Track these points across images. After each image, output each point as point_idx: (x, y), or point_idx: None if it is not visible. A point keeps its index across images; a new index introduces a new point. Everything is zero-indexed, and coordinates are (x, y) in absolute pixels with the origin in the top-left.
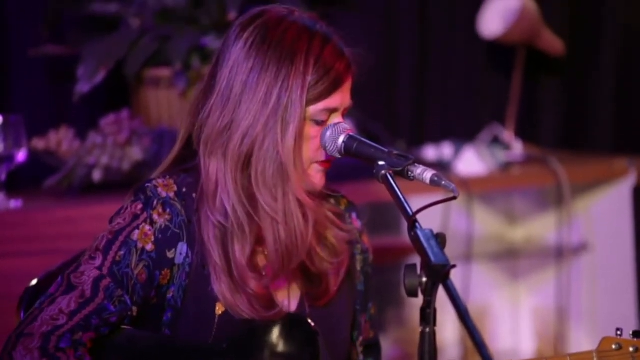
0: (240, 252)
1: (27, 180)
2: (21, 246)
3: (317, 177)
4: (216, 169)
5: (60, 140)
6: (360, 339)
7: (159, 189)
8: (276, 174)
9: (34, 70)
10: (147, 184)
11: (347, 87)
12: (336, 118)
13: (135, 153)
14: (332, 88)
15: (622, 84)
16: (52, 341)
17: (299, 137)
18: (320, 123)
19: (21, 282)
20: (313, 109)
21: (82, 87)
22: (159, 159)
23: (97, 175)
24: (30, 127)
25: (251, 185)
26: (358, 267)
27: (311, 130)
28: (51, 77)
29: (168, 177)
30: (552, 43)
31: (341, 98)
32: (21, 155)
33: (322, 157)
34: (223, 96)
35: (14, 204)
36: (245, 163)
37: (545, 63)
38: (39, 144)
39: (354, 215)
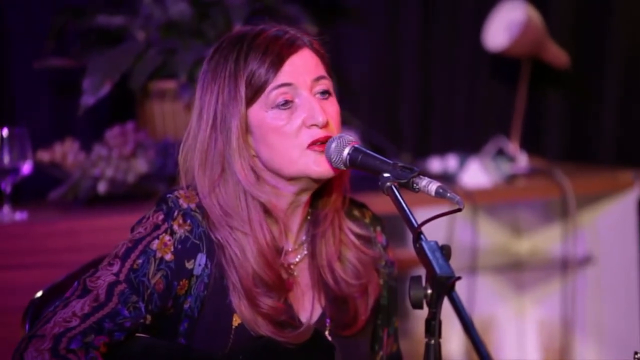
0: (246, 274)
1: (32, 192)
2: (26, 258)
3: (316, 161)
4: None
5: (66, 152)
6: (381, 353)
7: (180, 200)
8: (236, 185)
9: (39, 83)
10: (169, 195)
11: (298, 60)
12: (305, 92)
13: (141, 165)
14: (275, 66)
15: (627, 97)
16: (63, 342)
17: (243, 139)
18: (285, 105)
19: (26, 294)
20: (266, 95)
21: (88, 100)
22: (164, 171)
23: (102, 188)
24: (36, 139)
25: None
26: (381, 281)
27: (279, 117)
28: (56, 89)
29: (190, 188)
30: (557, 55)
31: (292, 72)
32: (26, 168)
33: (308, 139)
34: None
35: (19, 216)
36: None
37: (550, 75)
38: (44, 156)
39: (378, 229)
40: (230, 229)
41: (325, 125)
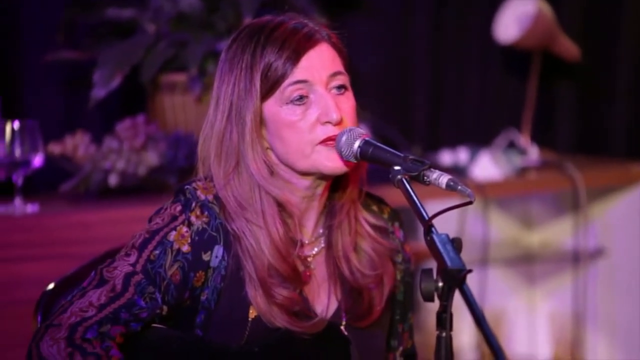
0: (261, 265)
1: (43, 184)
2: (38, 251)
3: (328, 157)
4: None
5: (77, 145)
6: (400, 349)
7: (198, 192)
8: (250, 178)
9: (50, 76)
10: (187, 186)
11: (315, 55)
12: (320, 88)
13: (151, 158)
14: (292, 61)
15: (638, 89)
16: (79, 332)
17: (257, 133)
18: (300, 101)
19: (37, 287)
20: (282, 90)
21: (98, 93)
22: (175, 164)
23: (113, 180)
24: (47, 132)
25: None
26: (398, 276)
27: (294, 113)
28: (67, 82)
29: (208, 179)
30: (568, 48)
31: (308, 68)
32: (37, 160)
33: (322, 136)
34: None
35: (31, 208)
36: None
37: (561, 68)
38: (55, 148)
39: (396, 224)
40: (246, 220)
41: (339, 123)
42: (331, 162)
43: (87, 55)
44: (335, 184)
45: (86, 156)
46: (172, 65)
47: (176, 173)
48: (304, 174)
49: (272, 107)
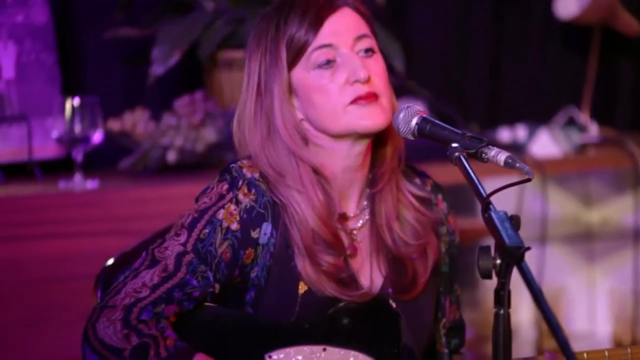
0: (306, 231)
1: (102, 161)
2: (97, 226)
3: (361, 115)
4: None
5: (135, 121)
6: (444, 320)
7: (244, 170)
8: (284, 147)
9: (109, 53)
10: (232, 165)
11: (338, 20)
12: (346, 50)
13: (209, 134)
14: (314, 27)
15: None
16: (134, 313)
17: (287, 103)
18: (327, 64)
19: (97, 262)
20: (307, 57)
21: (157, 69)
22: (233, 141)
23: (171, 157)
24: (106, 108)
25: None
26: (443, 248)
27: (322, 76)
28: (126, 59)
29: (253, 158)
30: (629, 24)
31: (332, 32)
32: (97, 137)
33: (352, 96)
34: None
35: (91, 184)
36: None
37: (621, 44)
38: (114, 125)
39: (440, 196)
40: (287, 187)
41: (367, 81)
42: (364, 120)
43: (146, 32)
44: (374, 156)
45: (145, 133)
46: (230, 42)
47: (234, 150)
48: (339, 136)
49: (300, 74)
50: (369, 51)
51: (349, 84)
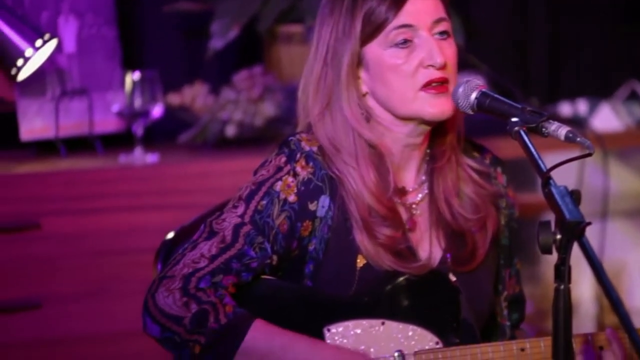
0: (362, 205)
1: (162, 135)
2: (157, 200)
3: (430, 104)
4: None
5: (195, 95)
6: (505, 293)
7: (302, 143)
8: (343, 121)
9: (169, 27)
10: (291, 138)
11: (419, 1)
12: (424, 32)
13: (268, 109)
14: (396, 5)
15: None
16: (193, 282)
17: (353, 76)
18: (404, 44)
19: (157, 235)
20: (386, 34)
21: (216, 43)
22: (292, 115)
23: (230, 131)
24: (166, 82)
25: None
26: (503, 221)
27: (397, 56)
28: (185, 33)
29: (312, 131)
30: None
31: (413, 13)
32: (157, 111)
33: (424, 79)
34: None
35: (151, 158)
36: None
37: None
38: (174, 99)
39: (499, 169)
40: (344, 162)
41: (442, 67)
42: (433, 108)
43: (205, 6)
44: (434, 133)
45: (204, 107)
46: (289, 17)
47: (293, 124)
48: (405, 119)
49: (375, 50)
50: (444, 34)
51: (423, 66)
